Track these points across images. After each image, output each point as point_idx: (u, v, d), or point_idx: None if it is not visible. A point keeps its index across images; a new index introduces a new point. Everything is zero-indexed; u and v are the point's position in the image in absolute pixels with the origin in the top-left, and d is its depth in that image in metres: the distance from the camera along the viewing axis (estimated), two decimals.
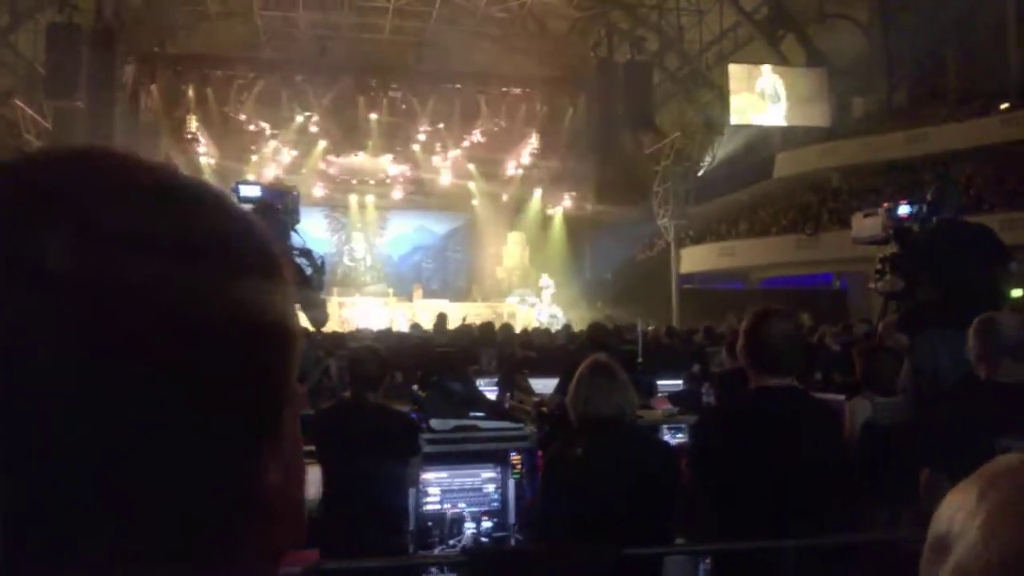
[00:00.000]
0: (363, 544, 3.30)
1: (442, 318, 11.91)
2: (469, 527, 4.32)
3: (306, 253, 4.87)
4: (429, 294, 23.11)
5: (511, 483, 4.50)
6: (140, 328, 0.39)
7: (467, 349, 7.77)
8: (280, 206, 4.94)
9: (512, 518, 4.45)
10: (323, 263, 5.31)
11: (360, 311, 20.24)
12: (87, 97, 17.75)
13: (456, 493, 4.42)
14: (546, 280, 22.70)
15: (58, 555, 0.38)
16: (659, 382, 6.96)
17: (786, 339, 2.86)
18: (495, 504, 4.47)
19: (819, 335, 9.54)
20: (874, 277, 5.84)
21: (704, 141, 23.25)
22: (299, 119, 23.10)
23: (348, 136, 24.06)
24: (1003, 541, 0.53)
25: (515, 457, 4.56)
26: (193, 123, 22.04)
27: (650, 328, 11.94)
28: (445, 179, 24.98)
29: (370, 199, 25.81)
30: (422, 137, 24.00)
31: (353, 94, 22.95)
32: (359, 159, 24.63)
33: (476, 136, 24.17)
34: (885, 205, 6.12)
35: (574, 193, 24.83)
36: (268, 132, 23.23)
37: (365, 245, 26.00)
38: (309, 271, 4.83)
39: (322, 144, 23.81)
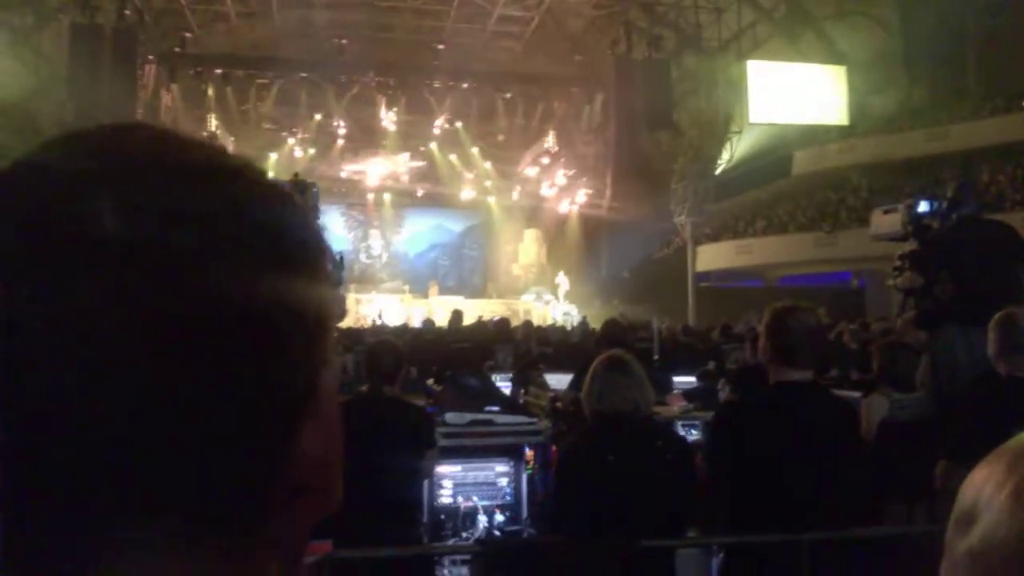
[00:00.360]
0: (377, 536, 3.31)
1: (457, 315, 11.93)
2: (482, 520, 4.33)
3: None
4: (445, 291, 23.15)
5: (524, 477, 4.50)
6: (183, 299, 0.40)
7: (483, 345, 7.78)
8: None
9: (525, 512, 4.45)
10: (342, 259, 5.34)
11: (376, 308, 20.31)
12: (108, 97, 17.94)
13: (470, 487, 4.43)
14: (561, 277, 22.68)
15: (95, 524, 0.39)
16: (675, 379, 6.94)
17: (806, 333, 2.86)
18: (508, 498, 4.47)
19: (837, 332, 9.48)
20: (893, 274, 5.79)
21: (722, 139, 23.13)
22: (318, 118, 23.21)
23: (366, 135, 24.15)
24: None
25: (529, 452, 4.56)
26: (213, 122, 22.21)
27: (665, 325, 11.90)
28: (462, 178, 25.01)
29: (387, 197, 25.89)
30: (439, 135, 24.04)
31: (371, 93, 23.03)
32: (377, 157, 24.72)
33: (493, 134, 24.18)
34: (905, 202, 6.07)
35: (591, 191, 24.79)
36: (287, 131, 23.36)
37: (382, 242, 26.10)
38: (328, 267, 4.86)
39: (340, 143, 23.91)
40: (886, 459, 4.02)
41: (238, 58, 22.82)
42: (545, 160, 24.78)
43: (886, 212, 6.27)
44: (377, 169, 25.04)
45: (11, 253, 0.39)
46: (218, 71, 22.20)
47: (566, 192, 25.50)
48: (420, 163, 25.03)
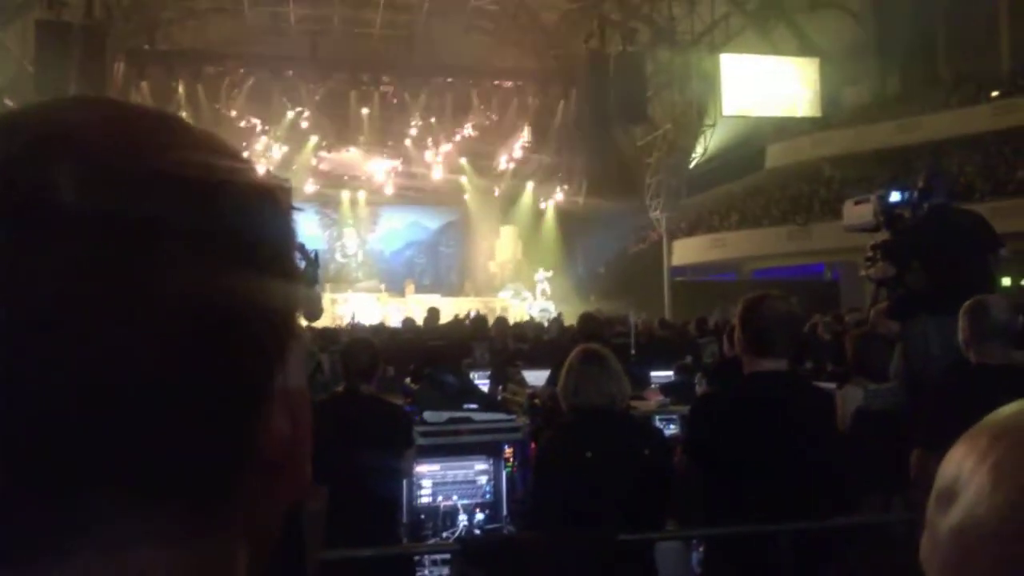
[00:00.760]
0: (356, 536, 3.29)
1: (433, 312, 11.89)
2: (462, 519, 4.32)
3: (299, 247, 4.85)
4: (421, 289, 23.07)
5: (504, 475, 4.50)
6: (143, 267, 0.39)
7: (460, 342, 7.76)
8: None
9: (505, 510, 4.45)
10: (317, 257, 5.29)
11: (352, 307, 20.21)
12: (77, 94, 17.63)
13: (449, 486, 4.42)
14: (541, 275, 22.68)
15: (62, 499, 0.38)
16: (652, 373, 6.96)
17: (780, 321, 2.87)
18: (488, 496, 4.47)
19: (811, 325, 9.56)
20: (865, 264, 5.85)
21: (696, 132, 23.24)
22: (290, 115, 23.03)
23: (339, 131, 24.00)
24: (1013, 483, 0.52)
25: (508, 449, 4.56)
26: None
27: (641, 320, 11.94)
28: (437, 174, 24.94)
29: (361, 195, 25.75)
30: (414, 132, 23.95)
31: (344, 89, 22.89)
32: (350, 154, 24.58)
33: (468, 130, 24.13)
34: (877, 193, 6.13)
35: (566, 186, 24.82)
36: (259, 128, 23.15)
37: (357, 241, 25.96)
38: (303, 265, 4.82)
39: (313, 140, 23.74)
40: (862, 448, 4.06)
41: (209, 54, 22.57)
42: (521, 155, 24.76)
43: (858, 203, 6.32)
44: (351, 166, 24.89)
45: None
46: (189, 68, 21.95)
47: (541, 188, 25.51)
48: (395, 159, 24.92)
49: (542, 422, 4.85)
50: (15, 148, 0.40)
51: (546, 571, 2.85)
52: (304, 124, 23.23)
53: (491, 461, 4.50)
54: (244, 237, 0.43)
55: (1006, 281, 13.16)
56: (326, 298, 18.75)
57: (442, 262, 27.06)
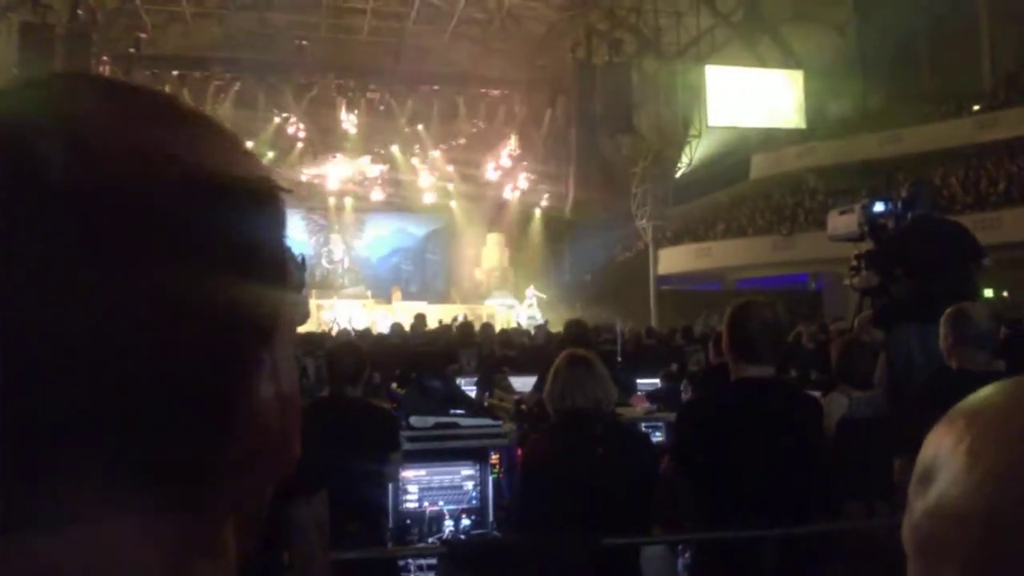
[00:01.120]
0: (341, 540, 3.27)
1: (420, 318, 11.87)
2: (448, 525, 4.31)
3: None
4: (408, 296, 23.03)
5: (490, 481, 4.49)
6: (129, 239, 0.39)
7: (446, 348, 7.75)
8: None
9: (491, 515, 4.44)
10: (304, 260, 5.28)
11: (338, 313, 20.14)
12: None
13: (435, 491, 4.40)
14: (532, 291, 22.65)
15: (48, 472, 0.38)
16: (638, 381, 6.98)
17: (766, 328, 2.89)
18: (474, 502, 4.45)
19: (795, 334, 9.61)
20: (849, 273, 5.90)
21: (681, 143, 23.36)
22: (276, 121, 22.97)
23: (326, 138, 23.95)
24: (987, 465, 0.53)
25: (494, 455, 4.55)
26: None
27: (628, 328, 11.97)
28: (424, 181, 24.92)
29: (348, 201, 25.69)
30: (400, 139, 23.93)
31: (331, 95, 22.85)
32: (337, 161, 24.52)
33: (455, 138, 24.14)
34: (861, 203, 6.18)
35: (553, 195, 24.87)
36: (245, 134, 23.05)
37: (343, 247, 25.88)
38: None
39: (300, 146, 23.68)
40: (846, 456, 4.07)
41: (195, 59, 22.49)
42: (507, 163, 24.79)
43: (842, 213, 6.38)
44: (338, 172, 24.83)
45: None
46: (174, 72, 21.86)
47: (528, 196, 25.54)
48: (381, 166, 24.88)
49: (528, 428, 4.84)
50: (5, 123, 0.40)
51: (532, 575, 2.84)
52: (290, 130, 23.17)
53: (477, 466, 4.49)
54: (235, 220, 0.43)
55: (988, 292, 13.28)
56: (312, 304, 18.68)
57: (428, 269, 27.01)
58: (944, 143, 21.51)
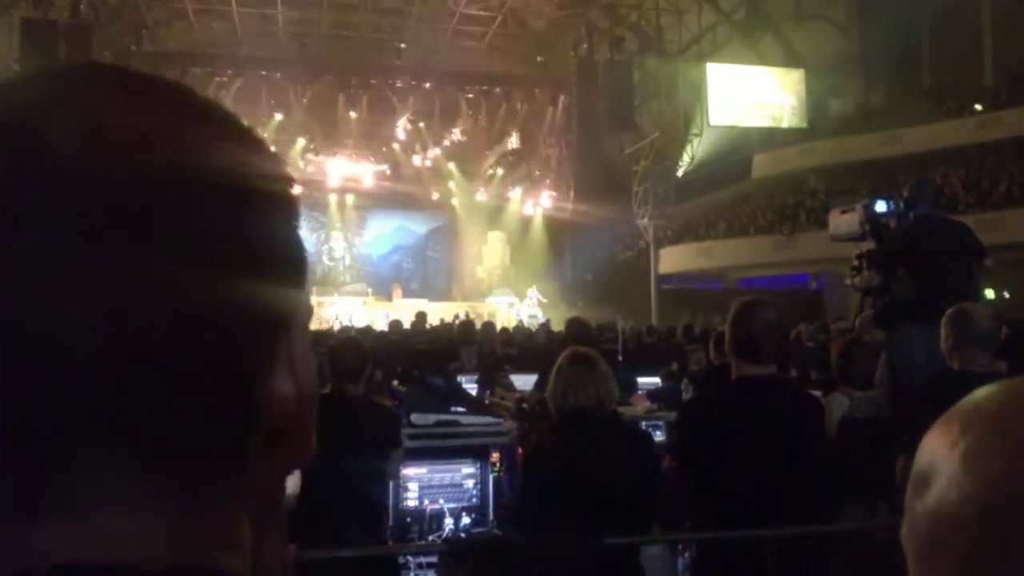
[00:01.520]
0: (341, 538, 3.27)
1: (421, 316, 11.87)
2: (448, 523, 4.31)
3: None
4: (408, 294, 23.04)
5: (491, 479, 4.49)
6: (146, 231, 0.39)
7: (448, 346, 7.75)
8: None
9: (491, 514, 4.44)
10: (306, 252, 5.28)
11: (339, 310, 20.15)
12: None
13: (435, 489, 4.40)
14: (534, 292, 22.65)
15: (73, 460, 0.39)
16: (638, 380, 6.97)
17: (769, 327, 2.89)
18: (474, 500, 4.45)
19: (795, 333, 9.60)
20: (851, 273, 5.89)
21: (683, 141, 23.35)
22: (278, 117, 22.96)
23: (327, 134, 23.94)
24: (983, 468, 0.53)
25: (495, 454, 4.55)
26: None
27: (629, 327, 11.97)
28: (425, 178, 24.92)
29: (349, 198, 25.69)
30: (402, 135, 23.91)
31: (332, 92, 22.83)
32: (338, 158, 24.52)
33: (456, 135, 24.13)
34: (862, 202, 6.17)
35: (554, 193, 24.86)
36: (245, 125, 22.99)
37: (344, 245, 25.89)
38: None
39: (301, 142, 23.67)
40: (847, 456, 4.08)
41: (196, 56, 22.48)
42: (509, 161, 24.78)
43: (844, 212, 6.36)
44: (339, 170, 24.83)
45: None
46: (176, 69, 21.83)
47: (529, 194, 25.54)
48: (383, 163, 24.87)
49: (529, 426, 4.84)
50: (21, 111, 0.40)
51: (532, 574, 2.84)
52: (292, 127, 23.16)
53: (478, 464, 4.49)
54: (253, 215, 0.43)
55: (990, 293, 13.27)
56: (313, 301, 18.64)
57: (429, 267, 27.02)
58: (946, 142, 21.48)
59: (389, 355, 7.54)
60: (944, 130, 21.91)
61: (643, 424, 5.38)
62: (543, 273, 24.03)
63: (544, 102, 24.05)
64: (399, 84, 23.01)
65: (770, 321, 2.91)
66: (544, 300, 22.46)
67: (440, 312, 18.57)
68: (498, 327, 12.66)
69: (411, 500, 4.33)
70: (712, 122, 23.08)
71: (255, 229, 0.43)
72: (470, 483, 4.47)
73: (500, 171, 25.29)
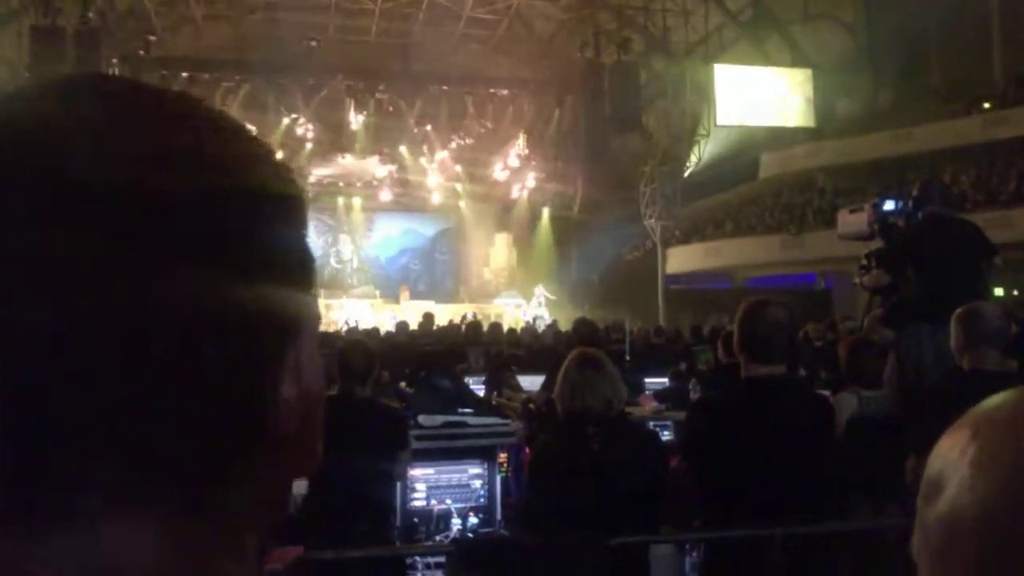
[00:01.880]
0: (349, 539, 3.28)
1: (428, 317, 11.88)
2: (455, 523, 4.31)
3: None
4: (416, 296, 23.06)
5: (498, 479, 4.49)
6: (153, 240, 0.39)
7: (455, 347, 7.75)
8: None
9: (499, 514, 4.44)
10: (314, 259, 5.29)
11: (347, 313, 20.20)
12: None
13: (443, 489, 4.41)
14: (540, 290, 22.66)
15: (74, 466, 0.38)
16: (646, 380, 6.97)
17: (778, 327, 2.88)
18: (482, 500, 4.46)
19: (803, 332, 9.58)
20: (859, 272, 5.86)
21: (690, 142, 23.32)
22: (285, 121, 23.03)
23: (335, 138, 24.00)
24: (993, 470, 0.53)
25: (502, 454, 4.55)
26: None
27: (636, 327, 11.96)
28: (432, 181, 24.95)
29: (357, 201, 25.74)
30: (409, 139, 23.96)
31: (339, 96, 22.89)
32: (346, 161, 24.57)
33: (463, 138, 24.16)
34: (871, 201, 6.15)
35: (561, 194, 24.86)
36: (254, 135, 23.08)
37: (352, 247, 25.93)
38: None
39: (308, 146, 23.74)
40: (856, 455, 4.06)
41: (204, 61, 22.57)
42: (516, 163, 24.80)
43: (852, 211, 6.34)
44: (346, 173, 24.88)
45: None
46: (184, 74, 21.92)
47: (536, 195, 25.54)
48: (390, 166, 24.91)
49: (537, 427, 4.84)
50: (26, 122, 0.40)
51: (539, 574, 2.84)
52: (299, 131, 23.23)
53: (485, 465, 4.49)
54: (260, 222, 0.43)
55: (999, 291, 13.21)
56: (320, 303, 18.69)
57: (437, 269, 27.05)
58: (954, 141, 21.38)
59: (396, 357, 7.54)
60: (953, 129, 21.81)
61: (651, 424, 5.37)
62: (550, 274, 24.04)
63: (551, 104, 24.06)
64: (406, 87, 23.05)
65: (779, 321, 2.90)
66: (551, 297, 22.46)
67: (447, 313, 18.58)
68: (505, 328, 12.67)
69: (419, 500, 4.34)
70: (719, 122, 23.04)
71: (263, 236, 0.43)
72: (477, 484, 4.47)
73: (507, 173, 25.30)
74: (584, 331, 6.75)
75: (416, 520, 4.28)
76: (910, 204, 5.61)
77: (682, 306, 19.77)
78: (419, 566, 3.85)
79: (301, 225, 0.47)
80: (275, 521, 0.47)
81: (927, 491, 0.58)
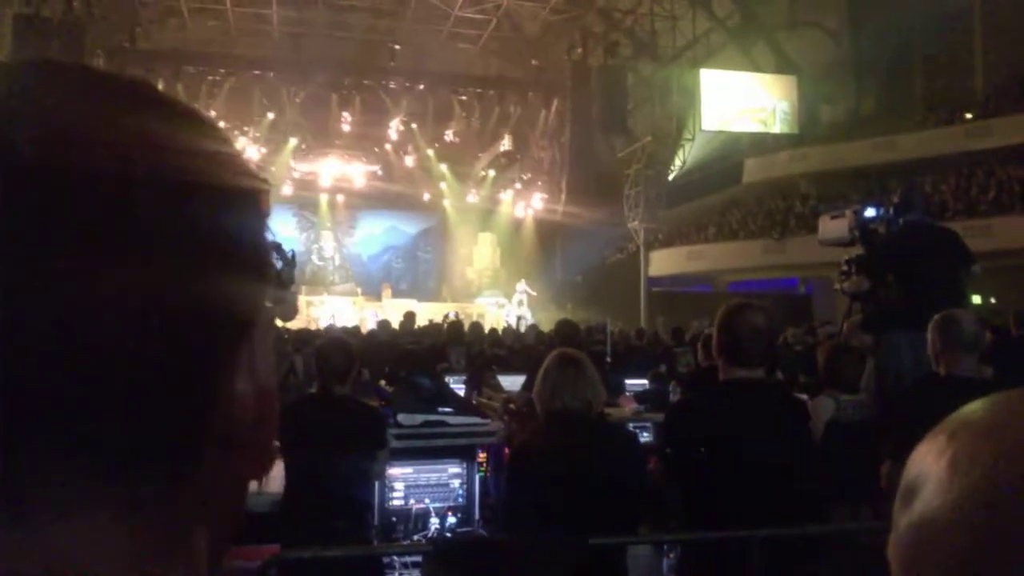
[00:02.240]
0: (326, 536, 3.26)
1: (409, 316, 11.85)
2: (434, 522, 4.30)
3: (276, 247, 4.81)
4: (398, 294, 23.01)
5: (477, 479, 4.49)
6: (100, 229, 0.38)
7: (436, 346, 7.74)
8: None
9: (477, 514, 4.44)
10: (293, 256, 5.26)
11: (328, 310, 20.11)
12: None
13: (422, 488, 4.40)
14: (522, 286, 22.67)
15: (18, 463, 0.37)
16: (626, 381, 6.98)
17: (757, 331, 2.89)
18: (460, 500, 4.45)
19: (783, 336, 9.64)
20: (839, 278, 5.90)
21: (675, 145, 23.41)
22: (270, 116, 22.92)
23: (319, 134, 23.92)
24: (971, 475, 0.53)
25: (481, 454, 4.54)
26: None
27: (618, 329, 11.99)
28: (417, 179, 24.91)
29: (340, 198, 25.66)
30: (394, 136, 23.90)
31: (325, 92, 22.82)
32: (330, 158, 24.49)
33: (448, 136, 24.13)
34: (852, 207, 6.19)
35: (546, 195, 24.89)
36: (238, 130, 23.02)
37: (334, 244, 25.83)
38: (279, 265, 4.79)
39: (293, 142, 23.63)
40: (832, 459, 4.09)
41: (189, 54, 22.43)
42: (501, 163, 24.80)
43: (833, 217, 6.38)
44: (330, 169, 24.79)
45: None
46: (169, 67, 21.78)
47: (521, 196, 25.55)
48: (374, 164, 24.84)
49: (516, 427, 4.84)
50: None
51: (517, 574, 2.84)
52: (284, 126, 23.13)
53: (464, 465, 4.49)
54: (212, 214, 0.41)
55: (976, 299, 13.36)
56: (301, 301, 18.64)
57: (420, 267, 27.00)
58: (936, 150, 21.59)
59: (377, 355, 7.52)
60: (934, 138, 22.03)
61: (630, 425, 5.38)
62: (533, 274, 24.05)
63: (537, 105, 24.10)
64: (392, 85, 23.00)
65: (757, 325, 2.91)
66: (532, 293, 22.47)
67: (429, 312, 18.54)
68: (487, 328, 12.66)
69: (397, 500, 4.33)
70: (704, 127, 23.15)
71: (217, 227, 0.41)
72: (456, 483, 4.47)
73: (492, 173, 25.30)
74: (566, 332, 6.75)
75: (394, 519, 4.27)
76: (891, 211, 5.65)
77: (664, 308, 19.83)
78: (396, 565, 3.84)
79: (258, 217, 0.45)
80: (231, 521, 0.46)
81: (904, 495, 0.58)
